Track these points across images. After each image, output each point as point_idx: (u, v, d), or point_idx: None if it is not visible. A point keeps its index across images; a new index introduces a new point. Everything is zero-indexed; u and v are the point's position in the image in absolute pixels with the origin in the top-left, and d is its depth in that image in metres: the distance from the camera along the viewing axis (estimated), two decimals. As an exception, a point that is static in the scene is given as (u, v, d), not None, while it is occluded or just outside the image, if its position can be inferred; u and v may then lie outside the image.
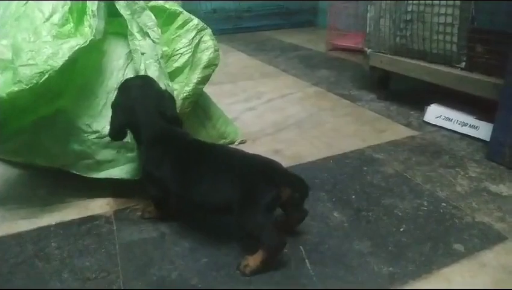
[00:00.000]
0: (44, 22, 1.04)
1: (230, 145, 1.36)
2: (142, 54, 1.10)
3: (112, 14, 1.15)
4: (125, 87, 1.00)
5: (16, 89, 0.90)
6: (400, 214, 1.02)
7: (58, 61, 0.93)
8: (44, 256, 0.90)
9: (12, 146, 1.06)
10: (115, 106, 0.99)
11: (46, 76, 0.91)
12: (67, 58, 0.95)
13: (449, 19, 1.42)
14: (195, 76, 1.18)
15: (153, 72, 1.08)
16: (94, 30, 1.03)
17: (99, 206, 1.08)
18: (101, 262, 0.88)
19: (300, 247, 0.91)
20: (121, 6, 1.12)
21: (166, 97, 1.01)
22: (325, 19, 3.17)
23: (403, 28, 1.61)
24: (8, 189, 1.18)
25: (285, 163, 1.26)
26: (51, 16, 1.05)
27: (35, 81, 0.90)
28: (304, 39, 3.38)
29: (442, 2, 1.42)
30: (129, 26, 1.11)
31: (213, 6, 3.80)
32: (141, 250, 0.91)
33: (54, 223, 1.02)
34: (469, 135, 1.42)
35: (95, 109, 1.09)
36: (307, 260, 0.87)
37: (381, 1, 1.67)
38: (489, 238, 0.93)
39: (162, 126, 0.96)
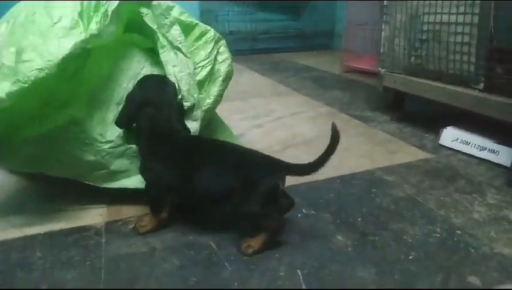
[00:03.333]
0: (52, 26, 1.02)
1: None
2: (173, 66, 1.09)
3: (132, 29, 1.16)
4: (145, 83, 1.03)
5: (15, 88, 0.86)
6: (409, 240, 0.94)
7: (58, 56, 0.89)
8: (26, 265, 0.85)
9: (23, 157, 1.03)
10: (129, 98, 1.01)
11: (45, 72, 0.87)
12: (67, 53, 0.91)
13: (466, 38, 1.36)
14: (216, 88, 1.20)
15: (184, 85, 1.08)
16: (100, 25, 0.99)
17: (92, 217, 1.04)
18: (84, 275, 0.82)
19: (298, 271, 0.83)
20: (148, 20, 1.10)
21: (178, 107, 1.05)
22: (341, 42, 3.15)
23: (418, 47, 1.56)
24: (3, 196, 1.15)
25: (289, 180, 1.21)
26: (59, 20, 1.03)
27: (33, 78, 0.86)
28: (319, 61, 3.36)
29: (459, 20, 1.37)
30: (160, 39, 1.10)
31: (230, 28, 3.84)
32: (128, 265, 0.86)
33: (42, 232, 0.97)
34: (488, 160, 1.33)
35: (107, 119, 1.07)
36: (304, 286, 0.79)
37: (395, 20, 1.63)
38: (509, 271, 0.83)
39: (168, 124, 0.99)
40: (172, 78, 1.08)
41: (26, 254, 0.89)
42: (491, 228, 0.98)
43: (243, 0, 3.80)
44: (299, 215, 1.04)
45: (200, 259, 0.87)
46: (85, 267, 0.85)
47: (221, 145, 1.01)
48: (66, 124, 1.01)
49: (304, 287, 0.79)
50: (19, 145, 1.01)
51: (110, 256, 0.88)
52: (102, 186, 1.06)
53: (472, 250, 0.90)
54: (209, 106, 1.16)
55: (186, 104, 1.07)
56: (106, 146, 1.04)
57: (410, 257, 0.88)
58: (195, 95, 1.09)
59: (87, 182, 1.06)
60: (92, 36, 0.97)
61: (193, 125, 1.07)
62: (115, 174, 1.06)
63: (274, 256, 0.87)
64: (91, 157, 1.03)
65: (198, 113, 1.09)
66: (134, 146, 1.06)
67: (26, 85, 0.87)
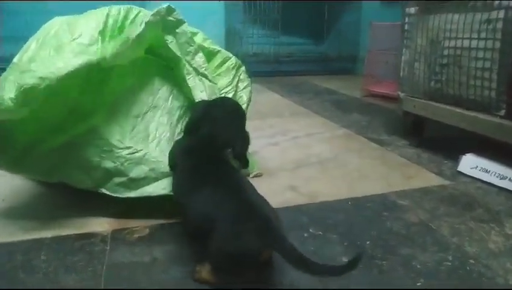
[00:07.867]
0: (70, 41, 1.06)
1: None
2: (201, 91, 1.14)
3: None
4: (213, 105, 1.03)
5: (13, 94, 0.88)
6: (418, 266, 0.90)
7: (61, 71, 0.92)
8: (29, 268, 0.86)
9: (48, 166, 1.05)
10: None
11: (45, 82, 0.89)
12: (71, 70, 0.94)
13: (487, 64, 1.33)
14: None
15: None
16: (112, 54, 1.03)
17: (100, 224, 1.05)
18: (85, 281, 0.82)
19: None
20: (173, 47, 1.14)
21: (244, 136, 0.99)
22: (364, 67, 3.14)
23: (438, 72, 1.54)
24: (15, 199, 1.18)
25: (299, 200, 1.20)
26: (79, 36, 1.07)
27: (31, 84, 0.88)
28: (340, 85, 3.35)
29: (480, 45, 1.34)
30: (186, 65, 1.15)
31: (254, 50, 3.91)
32: (128, 273, 0.85)
33: (50, 236, 0.99)
34: (508, 189, 1.28)
35: (125, 128, 1.09)
36: (304, 305, 0.77)
37: (416, 44, 1.61)
38: (525, 306, 0.78)
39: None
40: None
41: (30, 256, 0.90)
42: (508, 259, 0.93)
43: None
44: (306, 235, 1.02)
45: (200, 272, 0.86)
46: (87, 273, 0.85)
47: (238, 178, 0.89)
48: (85, 132, 1.03)
49: (303, 308, 0.76)
50: (45, 155, 1.04)
51: (112, 263, 0.88)
52: (123, 196, 1.05)
53: (485, 280, 0.85)
54: None
55: None
56: (125, 152, 1.05)
57: (418, 284, 0.84)
58: None
59: (106, 192, 1.05)
60: (103, 59, 1.01)
61: None
62: (135, 182, 1.05)
63: (277, 271, 0.85)
64: (110, 165, 1.04)
65: None
66: (152, 152, 1.07)
67: (22, 89, 0.88)
